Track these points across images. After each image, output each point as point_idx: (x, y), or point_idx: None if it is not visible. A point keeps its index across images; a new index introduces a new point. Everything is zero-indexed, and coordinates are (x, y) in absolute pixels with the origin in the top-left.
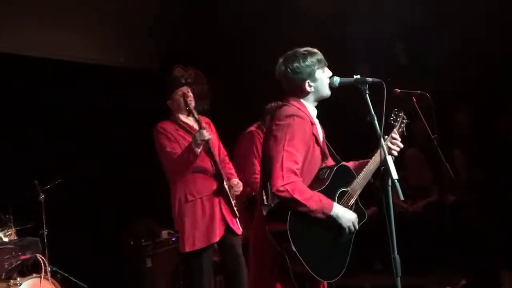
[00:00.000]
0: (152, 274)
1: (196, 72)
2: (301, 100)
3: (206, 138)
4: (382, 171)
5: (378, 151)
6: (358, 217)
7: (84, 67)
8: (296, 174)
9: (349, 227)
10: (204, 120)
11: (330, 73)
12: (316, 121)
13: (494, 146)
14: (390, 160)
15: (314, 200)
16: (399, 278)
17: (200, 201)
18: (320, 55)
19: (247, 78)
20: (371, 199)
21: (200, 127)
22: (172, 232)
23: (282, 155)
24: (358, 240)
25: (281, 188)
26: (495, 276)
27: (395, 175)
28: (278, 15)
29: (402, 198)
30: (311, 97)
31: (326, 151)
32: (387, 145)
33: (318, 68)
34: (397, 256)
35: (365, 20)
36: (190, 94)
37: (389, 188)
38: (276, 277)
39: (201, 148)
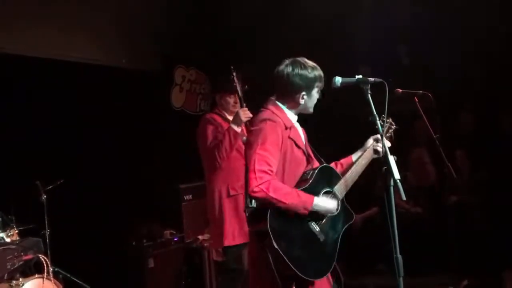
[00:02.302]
0: (154, 274)
1: (198, 72)
2: (280, 106)
3: (250, 116)
4: (384, 171)
5: (364, 153)
6: (346, 218)
7: (87, 68)
8: (269, 174)
9: (330, 212)
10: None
11: (318, 97)
12: (297, 125)
13: (497, 146)
14: (392, 160)
15: (291, 196)
16: (401, 278)
17: (242, 197)
18: (322, 77)
19: (249, 79)
20: (372, 200)
21: (242, 106)
22: (174, 232)
23: (254, 158)
24: (360, 240)
25: (255, 189)
26: (498, 276)
27: (397, 175)
28: (280, 16)
29: (404, 198)
30: (295, 108)
31: (311, 153)
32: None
33: (316, 86)
34: (399, 256)
35: (366, 21)
36: (238, 103)
37: (391, 188)
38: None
39: (241, 127)
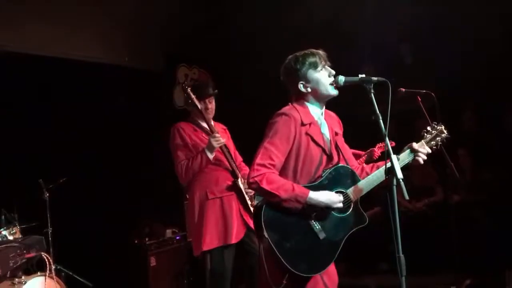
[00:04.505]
0: (156, 273)
1: (200, 71)
2: (304, 102)
3: (222, 142)
4: (387, 171)
5: (399, 159)
6: (357, 221)
7: (89, 66)
8: (267, 168)
9: (329, 206)
10: (220, 126)
11: (332, 72)
12: (322, 122)
13: (499, 145)
14: (395, 160)
15: (284, 189)
16: (404, 278)
17: (220, 201)
18: (314, 57)
19: (250, 78)
20: (375, 199)
21: (213, 132)
22: (176, 231)
23: (259, 151)
24: (363, 239)
25: (250, 180)
26: (500, 276)
27: (400, 175)
28: (282, 16)
29: (407, 197)
30: (311, 98)
31: (333, 153)
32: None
33: (310, 69)
34: (402, 256)
35: (370, 20)
36: (212, 106)
37: (394, 187)
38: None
39: (214, 154)
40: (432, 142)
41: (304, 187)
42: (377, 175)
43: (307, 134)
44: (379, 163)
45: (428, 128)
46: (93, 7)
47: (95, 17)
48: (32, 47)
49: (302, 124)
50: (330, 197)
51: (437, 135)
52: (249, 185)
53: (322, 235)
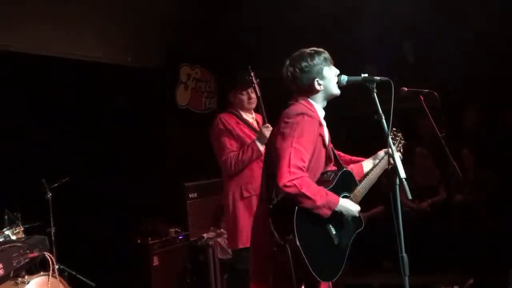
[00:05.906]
0: (159, 272)
1: (203, 70)
2: (310, 100)
3: None
4: (390, 170)
5: (379, 163)
6: (357, 226)
7: (91, 66)
8: (302, 171)
9: (354, 214)
10: (258, 117)
11: (337, 71)
12: (324, 123)
13: (502, 145)
14: (398, 159)
15: (320, 194)
16: (407, 277)
17: (256, 198)
18: (326, 54)
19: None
20: (378, 198)
21: (265, 122)
22: (179, 230)
23: (289, 151)
24: (366, 239)
25: (288, 184)
26: (503, 274)
27: (403, 174)
28: (285, 15)
29: (410, 197)
30: (320, 96)
31: (331, 154)
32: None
33: (325, 66)
34: (405, 255)
35: (372, 19)
36: (253, 96)
37: (397, 187)
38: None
39: (264, 146)
40: (398, 148)
41: (334, 194)
42: (371, 178)
43: (320, 135)
44: (352, 166)
45: (391, 134)
46: (94, 7)
47: (96, 17)
48: (34, 48)
49: (320, 125)
50: (354, 207)
51: (399, 142)
52: (285, 188)
53: (336, 241)
